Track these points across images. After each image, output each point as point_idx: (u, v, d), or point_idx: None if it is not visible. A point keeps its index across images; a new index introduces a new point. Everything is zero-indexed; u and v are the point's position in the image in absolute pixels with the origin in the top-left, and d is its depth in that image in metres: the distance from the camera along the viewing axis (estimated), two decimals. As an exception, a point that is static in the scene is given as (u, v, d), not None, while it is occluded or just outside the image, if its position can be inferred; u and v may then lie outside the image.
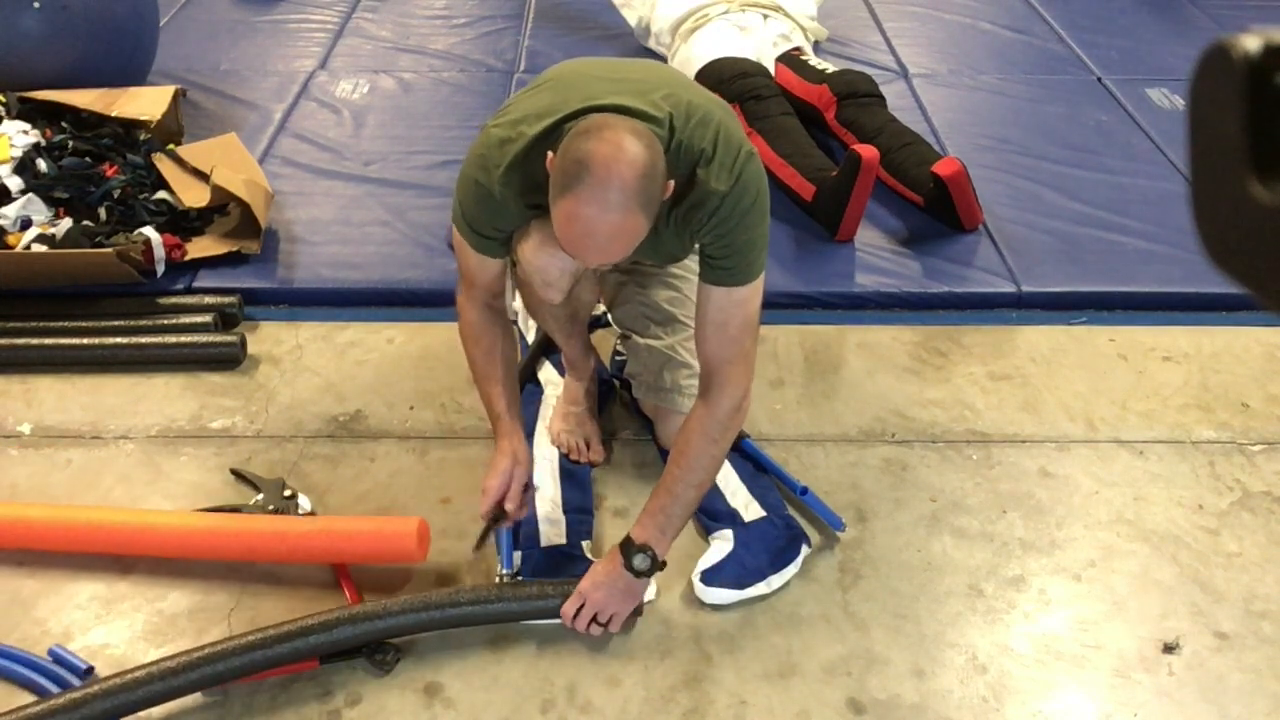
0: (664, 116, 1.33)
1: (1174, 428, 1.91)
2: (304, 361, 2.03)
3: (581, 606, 1.47)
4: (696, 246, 1.46)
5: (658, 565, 1.46)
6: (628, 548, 1.45)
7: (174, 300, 2.11)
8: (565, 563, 1.59)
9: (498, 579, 1.55)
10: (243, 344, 2.02)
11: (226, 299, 2.11)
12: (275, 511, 1.67)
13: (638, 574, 1.45)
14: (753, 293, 1.44)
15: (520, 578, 1.54)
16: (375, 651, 1.46)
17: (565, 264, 1.40)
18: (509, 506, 1.49)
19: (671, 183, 1.33)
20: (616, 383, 1.94)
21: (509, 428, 1.53)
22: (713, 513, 1.67)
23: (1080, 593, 1.60)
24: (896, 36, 3.33)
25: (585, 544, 1.64)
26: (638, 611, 1.52)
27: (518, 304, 1.77)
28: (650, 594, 1.55)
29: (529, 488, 1.54)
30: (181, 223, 2.26)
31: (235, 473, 1.76)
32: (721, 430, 1.45)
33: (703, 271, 1.45)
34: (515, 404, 1.57)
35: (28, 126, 2.34)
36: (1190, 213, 0.45)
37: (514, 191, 1.38)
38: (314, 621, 1.42)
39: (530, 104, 1.38)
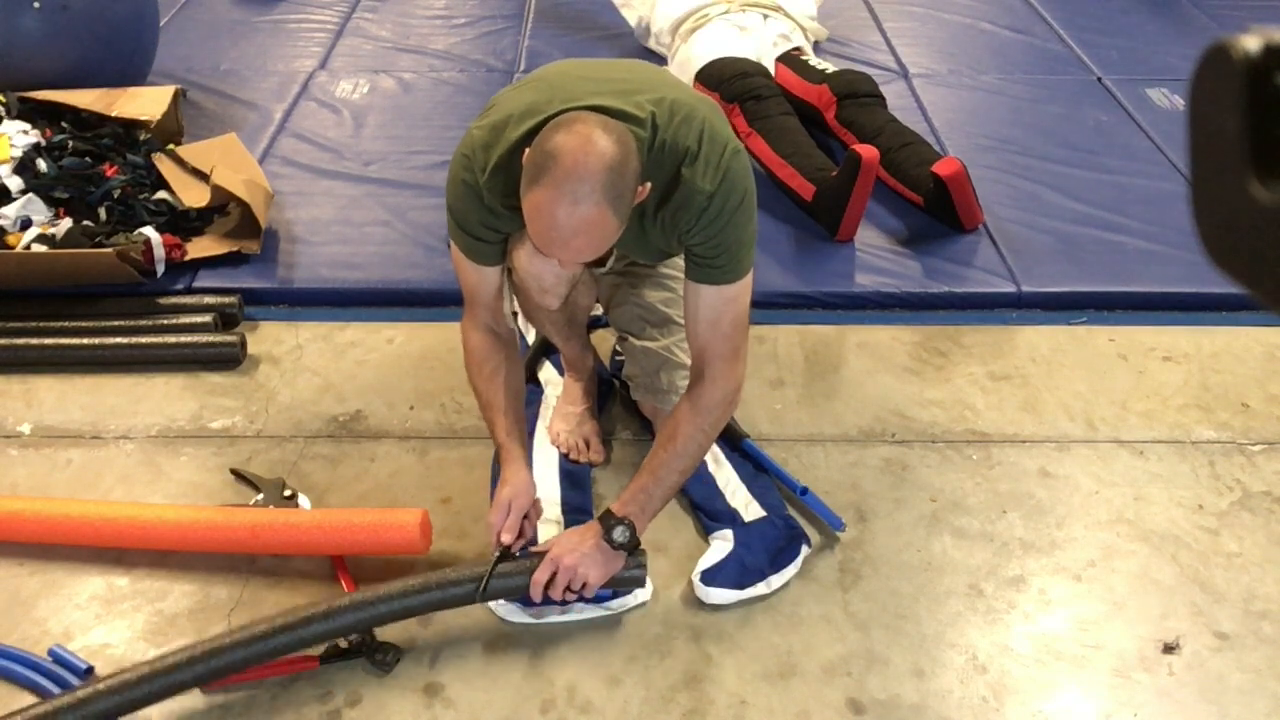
0: (645, 116, 1.33)
1: (1174, 428, 1.91)
2: (304, 361, 2.03)
3: (554, 576, 1.43)
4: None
5: (635, 541, 1.44)
6: (607, 520, 1.44)
7: (174, 300, 2.11)
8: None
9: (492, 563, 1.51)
10: (243, 344, 2.02)
11: (226, 299, 2.10)
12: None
13: (615, 546, 1.43)
14: (743, 289, 1.45)
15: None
16: (375, 651, 1.46)
17: (561, 270, 1.40)
18: (505, 538, 1.46)
19: (648, 185, 1.33)
20: (616, 382, 1.94)
21: (510, 456, 1.52)
22: (713, 513, 1.67)
23: (1080, 593, 1.60)
24: (896, 36, 3.33)
25: (585, 544, 1.64)
26: (639, 582, 1.49)
27: (514, 305, 1.77)
28: (646, 594, 1.55)
29: (530, 516, 1.50)
30: (181, 223, 2.26)
31: (235, 473, 1.76)
32: (712, 420, 1.46)
33: (691, 270, 1.45)
34: (517, 431, 1.54)
35: (28, 126, 2.34)
36: (1190, 213, 0.45)
37: (499, 194, 1.38)
38: (294, 618, 1.39)
39: (512, 103, 1.38)
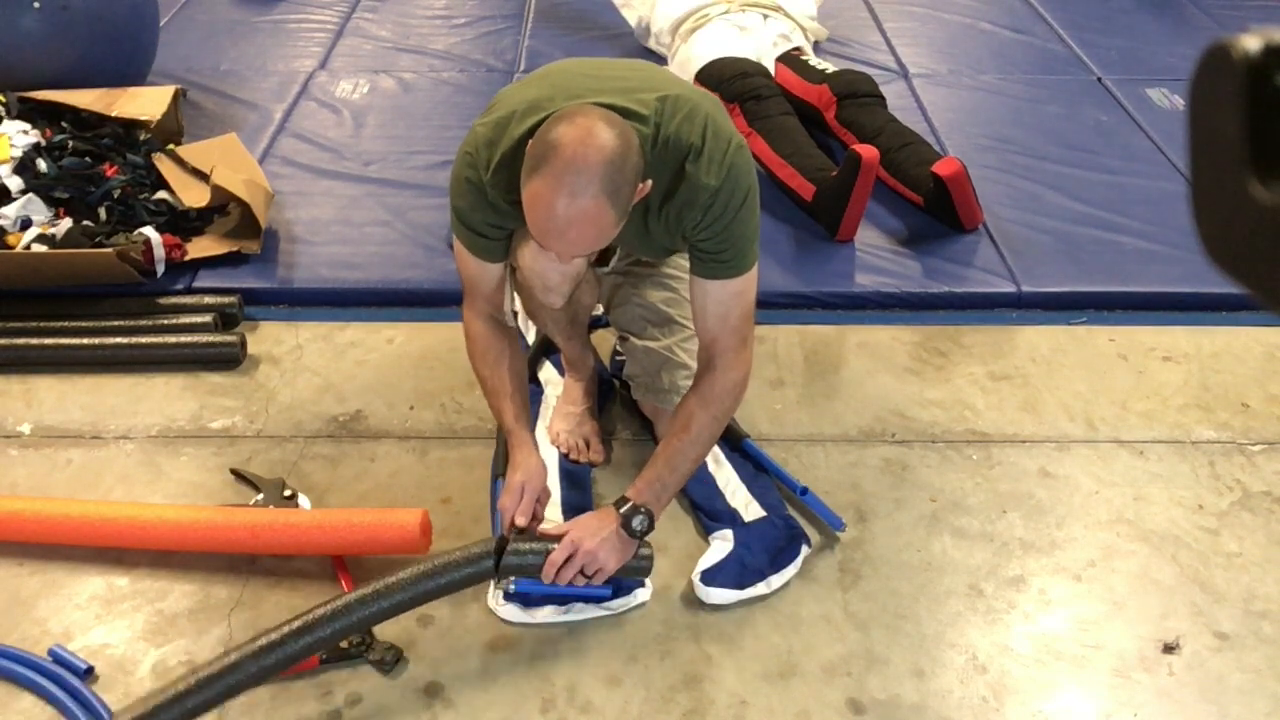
0: (649, 113, 1.34)
1: (1174, 428, 1.91)
2: (304, 361, 2.03)
3: (570, 557, 1.43)
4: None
5: (651, 529, 1.46)
6: (624, 506, 1.44)
7: (174, 300, 2.11)
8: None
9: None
10: (243, 344, 2.02)
11: (226, 299, 2.10)
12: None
13: (634, 534, 1.44)
14: (749, 282, 1.46)
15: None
16: (375, 651, 1.45)
17: (565, 268, 1.40)
18: (519, 520, 1.46)
19: (649, 182, 1.33)
20: (616, 382, 1.94)
21: (519, 441, 1.52)
22: (713, 513, 1.67)
23: (1080, 593, 1.60)
24: (896, 36, 3.33)
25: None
26: (643, 571, 1.50)
27: (516, 305, 1.77)
28: (646, 594, 1.55)
29: (541, 500, 1.50)
30: (181, 223, 2.26)
31: (235, 473, 1.76)
32: (723, 408, 1.48)
33: (696, 266, 1.45)
34: (525, 417, 1.55)
35: (28, 126, 2.34)
36: (1190, 213, 0.45)
37: (502, 191, 1.38)
38: (311, 617, 1.37)
39: (516, 100, 1.39)
